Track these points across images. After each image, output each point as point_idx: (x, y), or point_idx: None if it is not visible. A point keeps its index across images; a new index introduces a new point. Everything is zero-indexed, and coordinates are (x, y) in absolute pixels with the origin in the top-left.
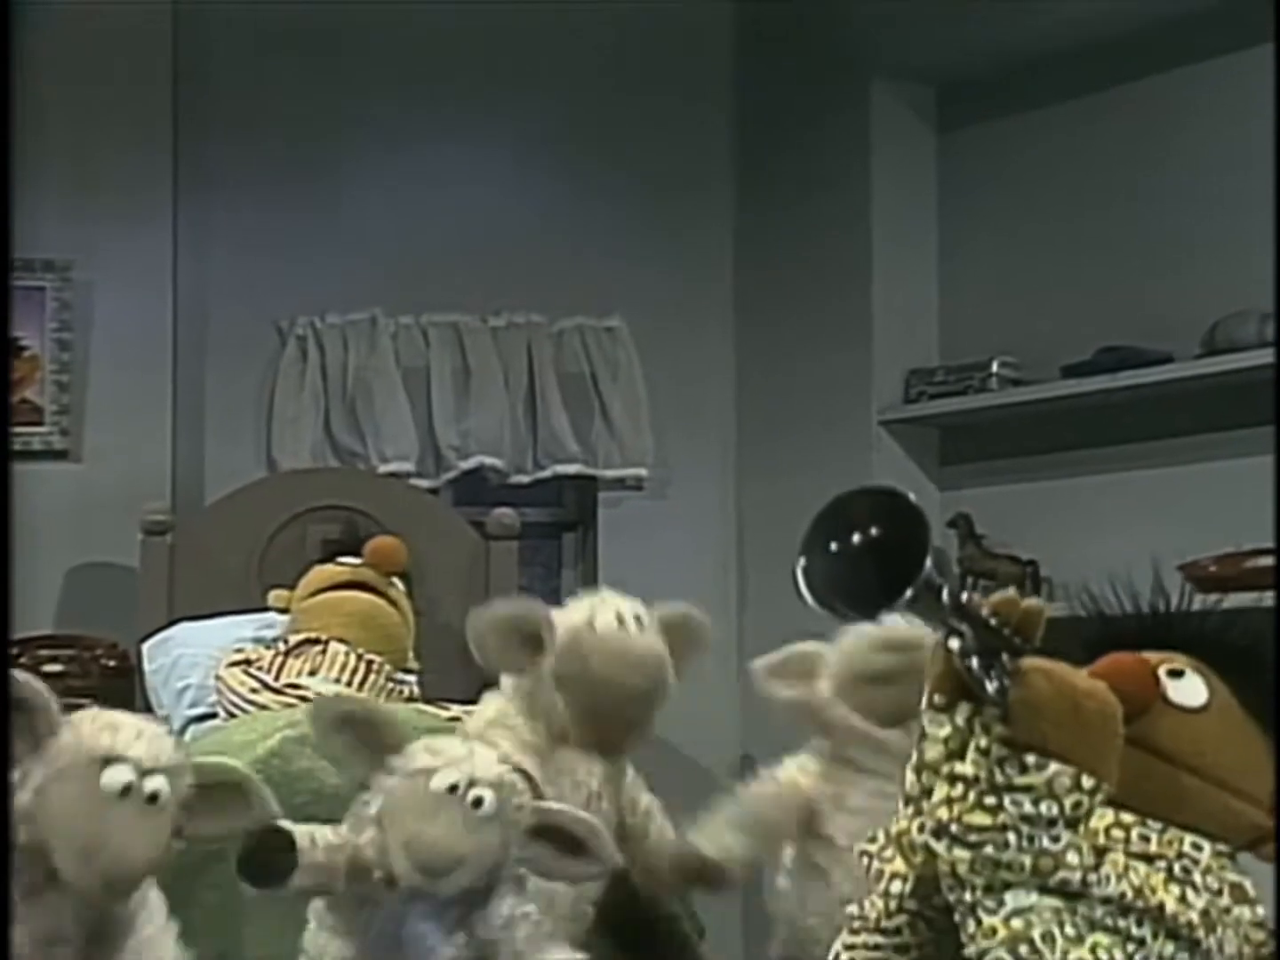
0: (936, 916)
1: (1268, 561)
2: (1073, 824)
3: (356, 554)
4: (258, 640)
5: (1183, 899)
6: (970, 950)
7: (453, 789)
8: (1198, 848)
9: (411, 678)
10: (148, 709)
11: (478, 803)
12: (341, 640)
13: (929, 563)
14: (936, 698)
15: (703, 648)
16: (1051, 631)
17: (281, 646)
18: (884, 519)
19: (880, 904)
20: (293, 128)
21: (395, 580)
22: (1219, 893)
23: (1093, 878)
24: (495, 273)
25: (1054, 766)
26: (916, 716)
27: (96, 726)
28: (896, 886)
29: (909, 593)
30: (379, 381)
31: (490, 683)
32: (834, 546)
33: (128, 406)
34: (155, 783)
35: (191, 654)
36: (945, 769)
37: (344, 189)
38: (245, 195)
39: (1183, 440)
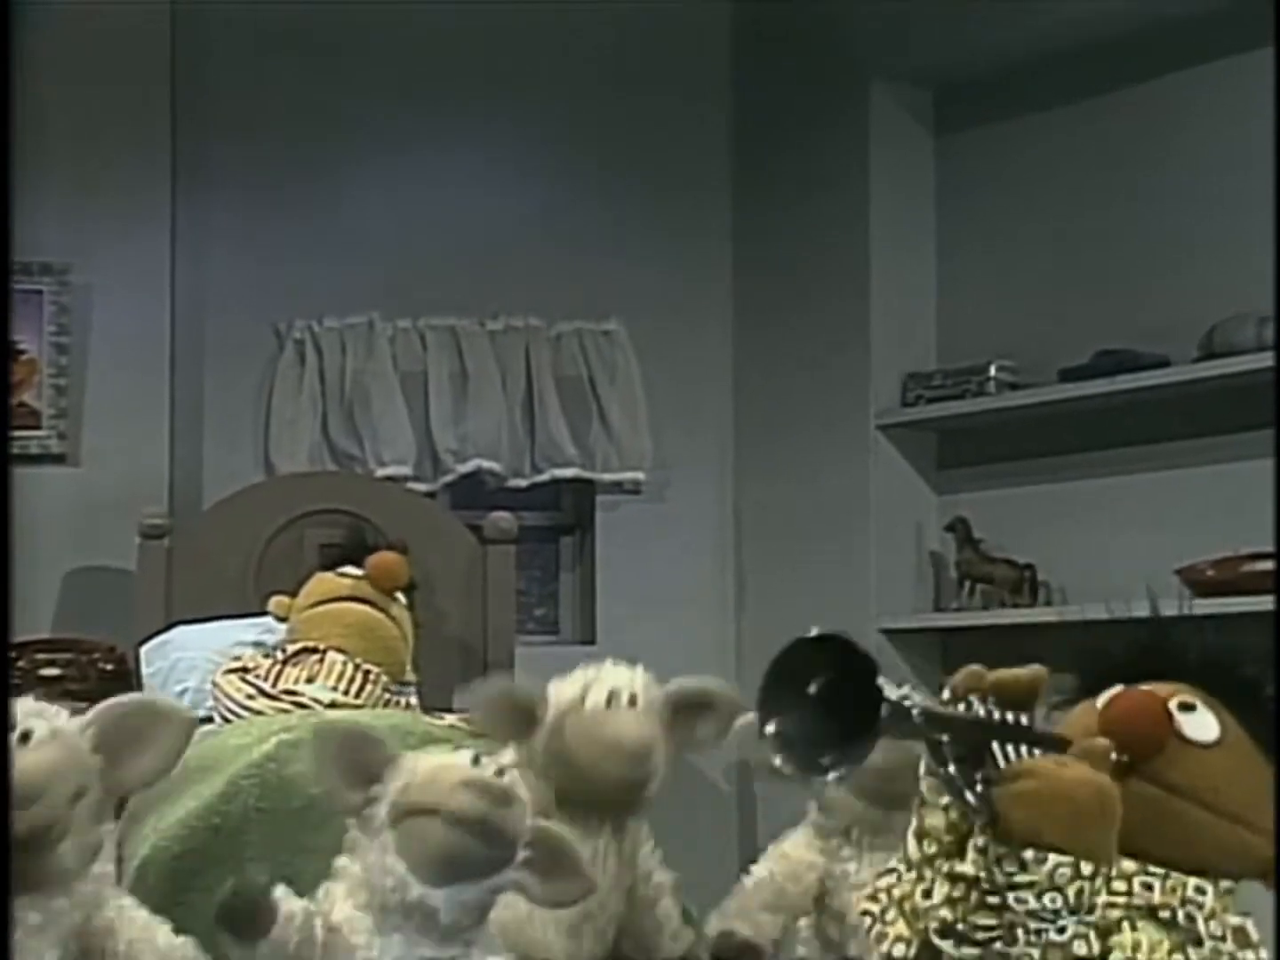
0: None
1: (1266, 565)
2: (1078, 911)
3: (361, 561)
4: (256, 644)
5: None
6: None
7: (475, 761)
8: (1201, 891)
9: (410, 689)
10: None
11: (500, 772)
12: (339, 650)
13: (888, 696)
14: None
15: (726, 720)
16: (1054, 642)
17: (279, 655)
18: (829, 666)
19: None
20: (291, 130)
21: (398, 595)
22: (1223, 938)
23: None
24: (493, 276)
25: (1053, 860)
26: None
27: None
28: (900, 950)
29: (877, 731)
30: (377, 385)
31: None
32: (793, 705)
33: (126, 410)
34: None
35: (190, 657)
36: (945, 867)
37: (342, 192)
38: (243, 198)
39: (1180, 444)
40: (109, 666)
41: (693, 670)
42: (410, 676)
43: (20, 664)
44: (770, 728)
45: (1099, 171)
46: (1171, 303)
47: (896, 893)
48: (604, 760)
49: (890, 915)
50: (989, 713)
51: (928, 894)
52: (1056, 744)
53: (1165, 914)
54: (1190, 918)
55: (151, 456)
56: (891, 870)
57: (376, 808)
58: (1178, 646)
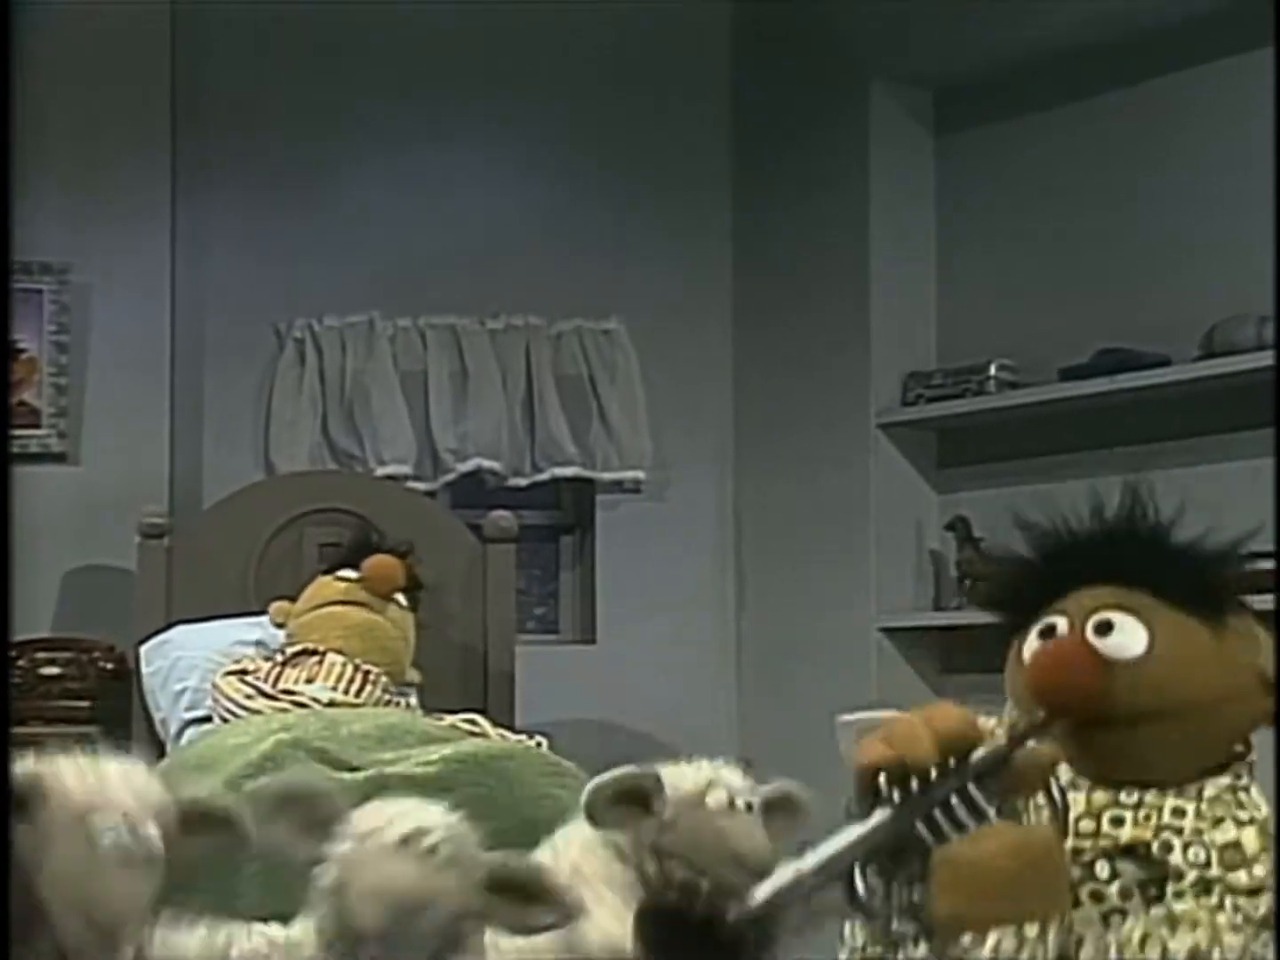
0: None
1: (1267, 564)
2: None
3: (363, 563)
4: (256, 643)
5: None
6: None
7: (405, 841)
8: (1180, 814)
9: (411, 691)
10: (145, 711)
11: (432, 850)
12: (339, 651)
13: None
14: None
15: (798, 826)
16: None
17: (279, 657)
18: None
19: None
20: (291, 130)
21: (397, 597)
22: (1207, 863)
23: None
24: (493, 275)
25: (992, 938)
26: None
27: (81, 781)
28: None
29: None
30: (377, 384)
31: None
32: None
33: (126, 409)
34: (146, 833)
35: (189, 657)
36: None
37: (342, 191)
38: (243, 198)
39: (1181, 443)
40: (108, 666)
41: (692, 670)
42: (413, 677)
43: (20, 663)
44: None
45: (1099, 171)
46: (1172, 302)
47: None
48: (727, 866)
49: None
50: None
51: None
52: (1000, 785)
53: (1141, 851)
54: (1167, 846)
55: (151, 455)
56: None
57: (326, 868)
58: (1091, 550)
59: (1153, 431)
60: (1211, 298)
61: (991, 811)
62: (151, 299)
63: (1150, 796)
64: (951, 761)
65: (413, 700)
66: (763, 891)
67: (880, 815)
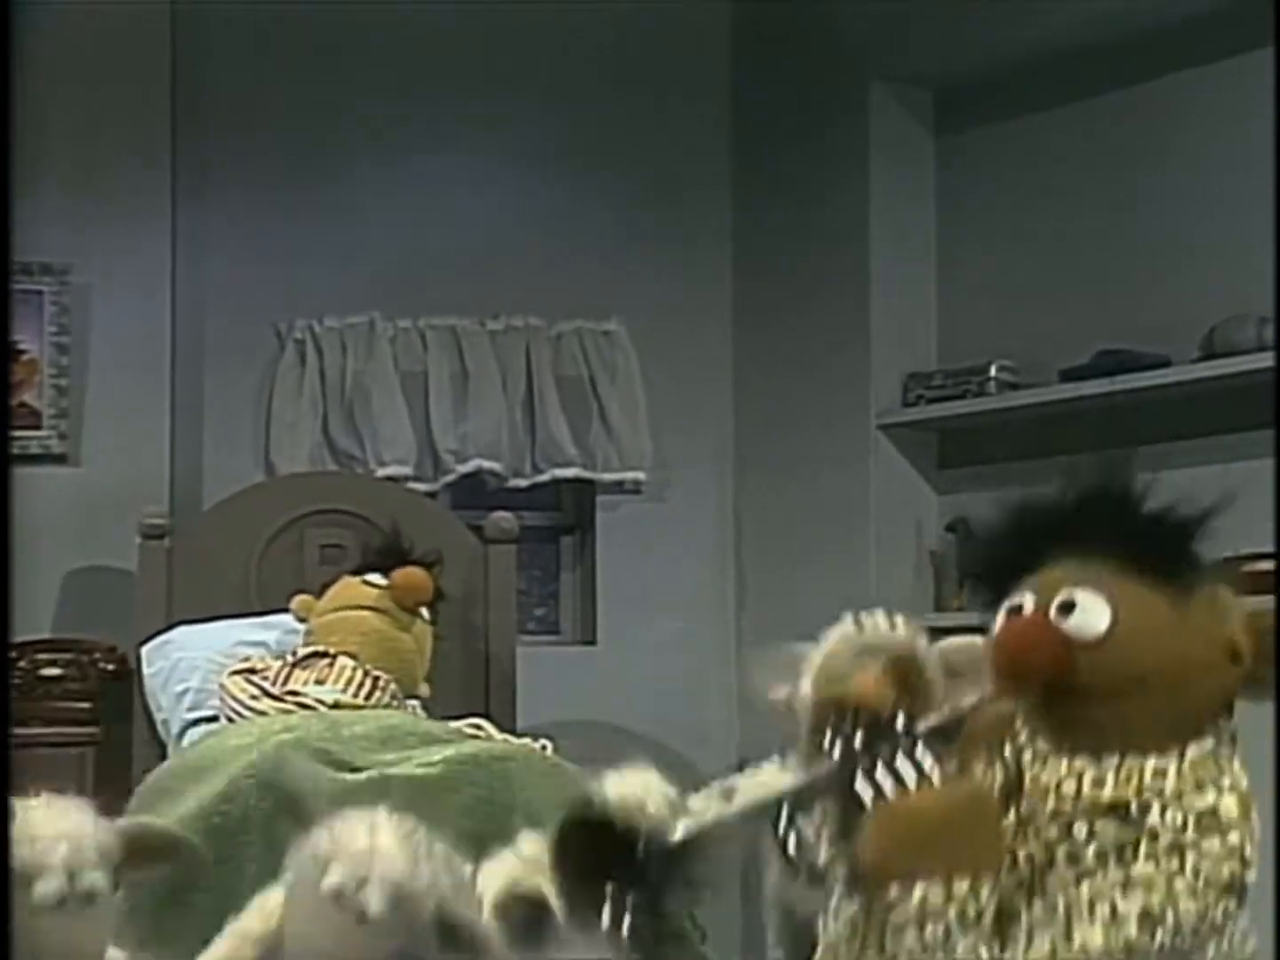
0: None
1: (1267, 566)
2: (970, 927)
3: (390, 569)
4: (257, 644)
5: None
6: None
7: (339, 894)
8: (1161, 775)
9: (416, 702)
10: (146, 712)
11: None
12: (351, 655)
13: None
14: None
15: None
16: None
17: (289, 658)
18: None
19: None
20: (291, 131)
21: (423, 610)
22: (1183, 827)
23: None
24: (493, 276)
25: (919, 890)
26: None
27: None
28: None
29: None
30: (377, 385)
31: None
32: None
33: (126, 410)
34: (89, 880)
35: (190, 657)
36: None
37: (343, 192)
38: (244, 199)
39: (1181, 444)
40: (109, 667)
41: (692, 670)
42: (423, 691)
43: (21, 664)
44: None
45: (1099, 172)
46: (1172, 303)
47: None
48: None
49: None
50: (844, 749)
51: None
52: (950, 733)
53: (1121, 812)
54: (1145, 808)
55: (152, 456)
56: None
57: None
58: (1060, 526)
59: (1153, 432)
60: (1211, 298)
61: (936, 772)
62: (152, 300)
63: (1131, 758)
64: (902, 720)
65: (419, 711)
66: (682, 826)
67: (819, 764)
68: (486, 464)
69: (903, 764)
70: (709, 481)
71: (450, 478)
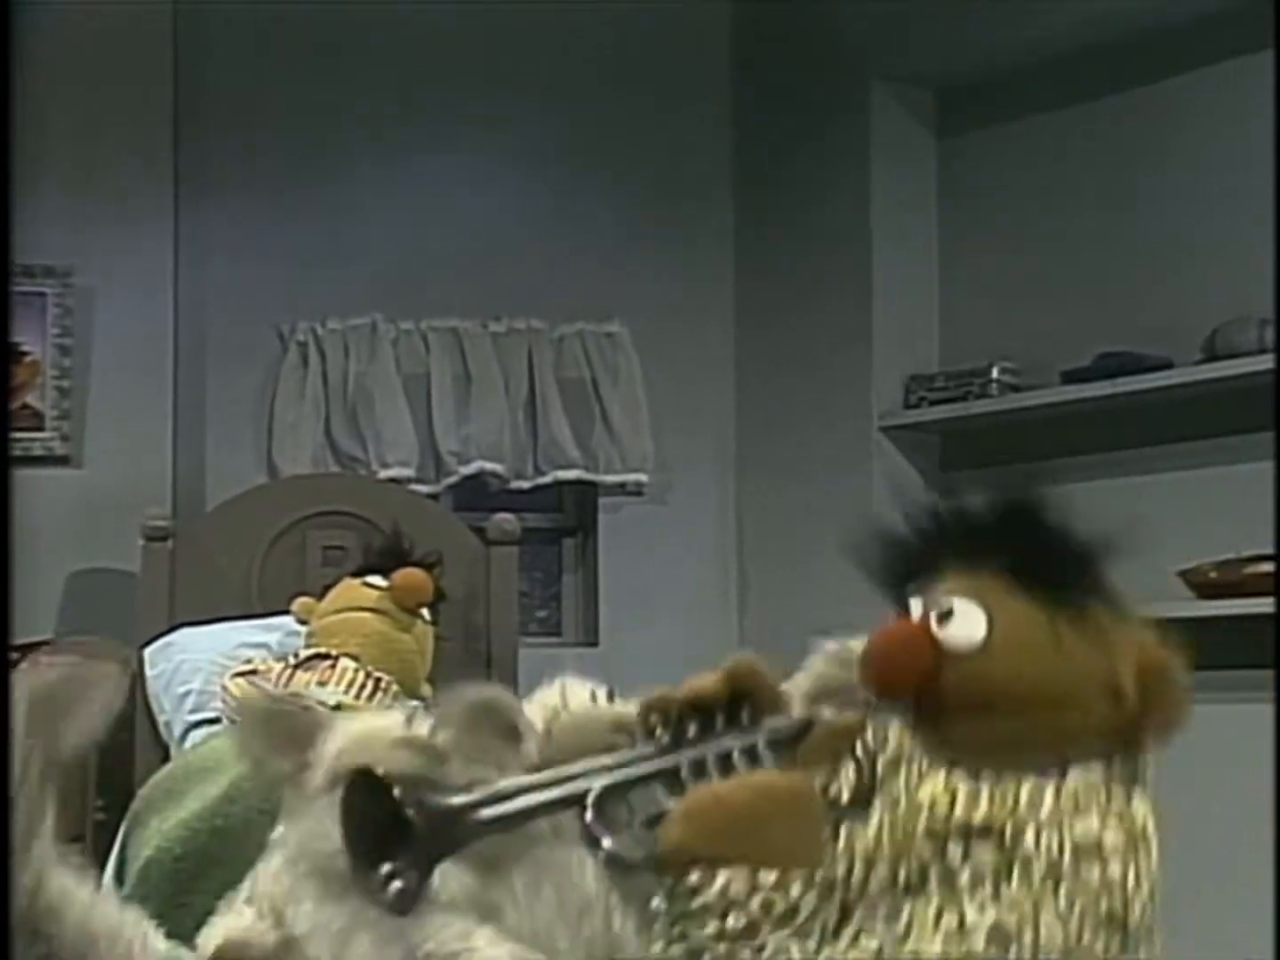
0: None
1: (1268, 567)
2: (782, 922)
3: (391, 570)
4: (259, 646)
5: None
6: None
7: (409, 721)
8: (1037, 798)
9: (419, 704)
10: (149, 714)
11: (433, 731)
12: (353, 657)
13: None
14: None
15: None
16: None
17: (292, 659)
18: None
19: None
20: (293, 133)
21: (424, 611)
22: (1059, 854)
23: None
24: (495, 278)
25: (722, 877)
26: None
27: None
28: None
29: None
30: (379, 387)
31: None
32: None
33: (129, 412)
34: None
35: (193, 659)
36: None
37: (344, 194)
38: (246, 201)
39: (1183, 446)
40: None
41: (694, 672)
42: (425, 691)
43: (23, 665)
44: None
45: (1101, 173)
46: (1174, 305)
47: None
48: None
49: None
50: (677, 737)
51: None
52: (794, 733)
53: (993, 836)
54: (1018, 834)
55: (154, 458)
56: None
57: (310, 773)
58: (960, 532)
59: (1155, 434)
60: (1213, 300)
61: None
62: (154, 302)
63: (1007, 778)
64: (745, 715)
65: (421, 711)
66: (473, 794)
67: (641, 749)
68: (489, 466)
69: (738, 759)
70: (711, 483)
71: (452, 479)
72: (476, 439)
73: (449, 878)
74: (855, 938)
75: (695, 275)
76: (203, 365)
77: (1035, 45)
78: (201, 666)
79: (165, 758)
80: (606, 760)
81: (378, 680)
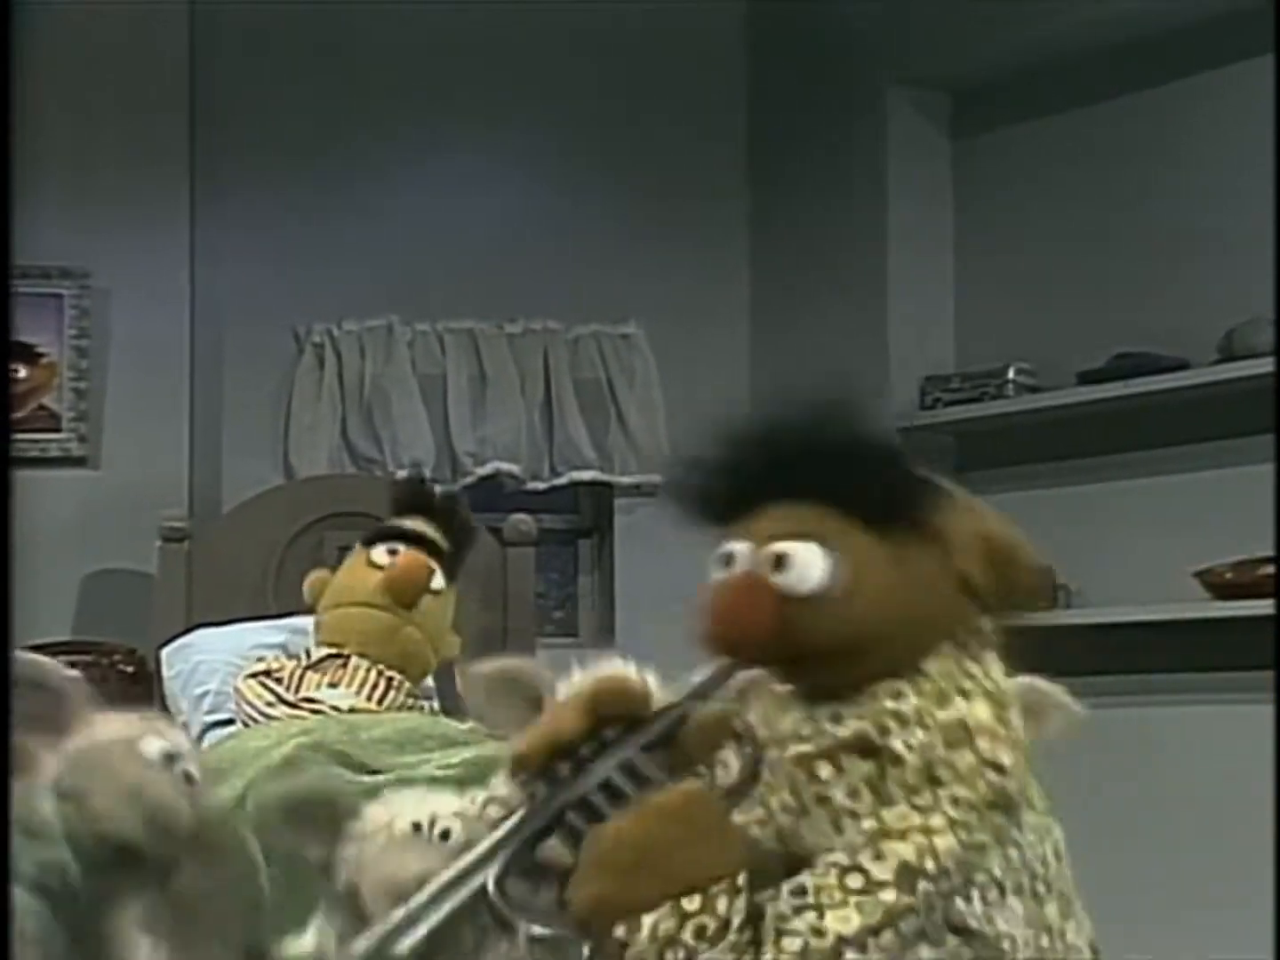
0: None
1: (1268, 569)
2: (718, 939)
3: (424, 514)
4: (276, 647)
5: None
6: None
7: (417, 828)
8: (898, 696)
9: (431, 701)
10: (166, 715)
11: (445, 835)
12: (363, 655)
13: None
14: None
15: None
16: (1073, 645)
17: (304, 658)
18: None
19: None
20: (308, 135)
21: (433, 583)
22: (930, 746)
23: None
24: (511, 279)
25: (648, 921)
26: None
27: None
28: None
29: None
30: (396, 388)
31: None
32: None
33: (145, 413)
34: (188, 766)
35: (210, 660)
36: None
37: (360, 196)
38: (261, 203)
39: (1199, 446)
40: (128, 669)
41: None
42: (454, 649)
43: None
44: None
45: (1117, 174)
46: (1190, 305)
47: None
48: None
49: None
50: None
51: None
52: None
53: (864, 742)
54: (885, 732)
55: (171, 459)
56: None
57: (337, 873)
58: (777, 463)
59: (1171, 435)
60: (1229, 301)
61: (663, 780)
62: (171, 304)
63: (868, 691)
64: (610, 734)
65: (436, 705)
66: (381, 927)
67: (519, 813)
68: (504, 467)
69: (621, 782)
70: None
71: (468, 480)
72: (492, 440)
73: None
74: (778, 932)
75: (711, 276)
76: (219, 367)
77: (1049, 46)
78: (218, 668)
79: None
80: (496, 835)
81: (390, 679)
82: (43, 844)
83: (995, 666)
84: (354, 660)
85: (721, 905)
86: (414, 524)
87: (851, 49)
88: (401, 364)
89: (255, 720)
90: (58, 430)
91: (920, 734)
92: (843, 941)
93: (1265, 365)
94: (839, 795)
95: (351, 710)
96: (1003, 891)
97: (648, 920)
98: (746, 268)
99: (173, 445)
